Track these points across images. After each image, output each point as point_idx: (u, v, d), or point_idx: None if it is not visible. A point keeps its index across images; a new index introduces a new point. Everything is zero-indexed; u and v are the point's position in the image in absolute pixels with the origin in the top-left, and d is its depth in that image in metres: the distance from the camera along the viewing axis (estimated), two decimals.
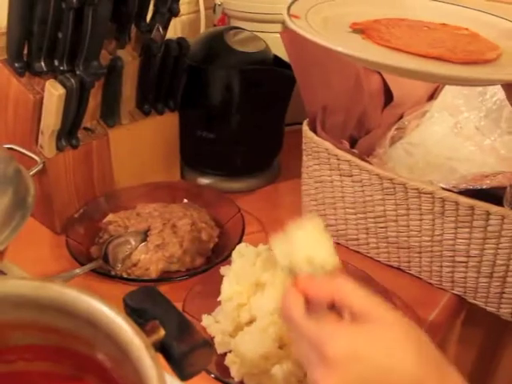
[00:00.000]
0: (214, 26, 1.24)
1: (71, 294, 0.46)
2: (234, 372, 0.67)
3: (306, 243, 0.56)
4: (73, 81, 0.80)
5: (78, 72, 0.84)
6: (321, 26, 0.67)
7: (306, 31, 0.64)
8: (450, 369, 0.52)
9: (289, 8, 0.69)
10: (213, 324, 0.72)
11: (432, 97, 1.11)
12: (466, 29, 0.73)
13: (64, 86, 0.80)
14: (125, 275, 0.83)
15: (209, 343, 0.48)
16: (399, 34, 0.68)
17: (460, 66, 0.63)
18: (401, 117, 1.05)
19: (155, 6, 0.89)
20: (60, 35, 0.82)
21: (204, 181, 1.05)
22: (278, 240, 0.59)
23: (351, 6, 0.74)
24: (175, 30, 1.26)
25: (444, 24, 0.72)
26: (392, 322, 0.52)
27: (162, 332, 0.47)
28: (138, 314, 0.48)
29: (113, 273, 0.83)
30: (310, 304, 0.54)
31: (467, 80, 0.64)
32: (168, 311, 0.49)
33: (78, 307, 0.45)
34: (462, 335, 0.95)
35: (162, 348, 0.46)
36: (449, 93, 1.09)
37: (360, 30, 0.70)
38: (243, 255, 0.75)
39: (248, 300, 0.72)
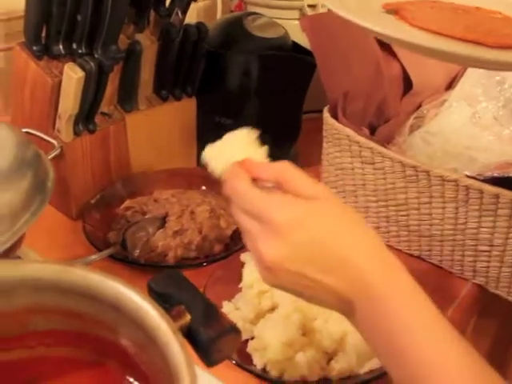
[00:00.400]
0: (231, 11, 1.23)
1: (95, 278, 0.46)
2: (257, 359, 0.66)
3: (241, 151, 0.58)
4: (92, 64, 0.80)
5: (96, 56, 0.83)
6: (354, 6, 0.66)
7: (341, 10, 0.63)
8: (392, 259, 0.52)
9: None
10: (233, 311, 0.72)
11: (450, 86, 1.10)
12: (500, 12, 0.72)
13: (83, 69, 0.79)
14: (143, 261, 0.82)
15: (236, 329, 0.47)
16: (433, 17, 0.67)
17: (497, 50, 0.62)
18: (419, 105, 1.04)
19: None
20: (79, 18, 0.81)
21: None
22: (211, 149, 0.60)
23: None
24: (191, 15, 1.25)
25: (478, 8, 0.71)
26: (338, 204, 0.54)
27: (187, 317, 0.46)
28: (163, 299, 0.47)
29: (130, 258, 0.82)
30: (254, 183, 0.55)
31: (505, 64, 0.63)
32: (194, 296, 0.49)
33: (103, 292, 0.45)
34: (477, 326, 0.95)
35: (188, 333, 0.46)
36: (467, 82, 1.09)
37: (393, 10, 0.69)
38: None
39: (269, 287, 0.71)
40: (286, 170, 0.55)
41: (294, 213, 0.51)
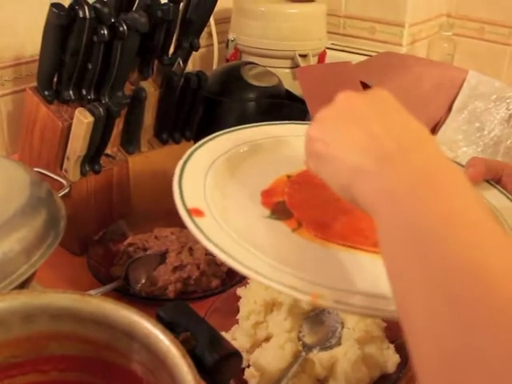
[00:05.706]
0: (227, 60, 1.29)
1: (109, 306, 0.49)
2: None
3: None
4: (101, 109, 0.85)
5: (103, 101, 0.89)
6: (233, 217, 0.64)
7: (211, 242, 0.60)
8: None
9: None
10: (230, 341, 0.76)
11: (433, 131, 1.16)
12: None
13: (93, 114, 0.84)
14: (145, 294, 0.86)
15: (238, 352, 0.51)
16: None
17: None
18: None
19: (178, 40, 0.95)
20: (90, 66, 0.87)
21: None
22: None
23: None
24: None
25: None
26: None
27: (193, 342, 0.50)
28: (170, 327, 0.50)
29: (133, 292, 0.87)
30: None
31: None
32: (199, 324, 0.52)
33: (116, 319, 0.49)
34: None
35: (193, 357, 0.49)
36: (449, 128, 1.15)
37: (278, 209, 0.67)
38: None
39: (265, 318, 0.76)
40: None
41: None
